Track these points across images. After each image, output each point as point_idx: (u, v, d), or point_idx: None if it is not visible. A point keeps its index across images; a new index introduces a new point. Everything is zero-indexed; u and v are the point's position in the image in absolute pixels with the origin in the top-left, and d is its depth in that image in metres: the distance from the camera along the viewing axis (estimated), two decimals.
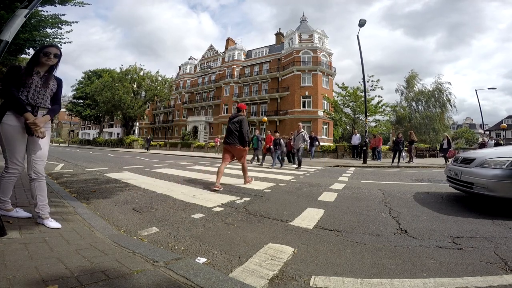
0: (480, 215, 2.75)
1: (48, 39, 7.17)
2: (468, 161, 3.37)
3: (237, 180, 5.22)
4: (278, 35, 36.75)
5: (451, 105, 32.41)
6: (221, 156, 16.51)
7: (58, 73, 2.09)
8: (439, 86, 32.89)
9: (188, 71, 45.17)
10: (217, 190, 4.02)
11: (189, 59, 46.47)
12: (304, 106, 29.51)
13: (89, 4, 7.06)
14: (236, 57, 36.92)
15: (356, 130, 16.28)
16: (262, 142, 11.17)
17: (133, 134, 41.10)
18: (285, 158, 10.46)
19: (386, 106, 18.03)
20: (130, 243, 1.75)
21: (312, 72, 29.62)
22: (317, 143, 14.35)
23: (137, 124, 47.63)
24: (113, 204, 3.04)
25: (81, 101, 42.91)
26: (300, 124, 9.30)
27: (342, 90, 18.66)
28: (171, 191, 3.86)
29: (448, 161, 11.17)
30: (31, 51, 7.56)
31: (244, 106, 4.82)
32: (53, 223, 1.91)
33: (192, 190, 4.00)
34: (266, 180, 5.43)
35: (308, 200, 3.50)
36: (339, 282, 1.36)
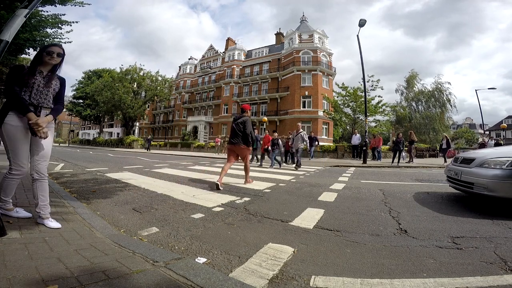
0: (480, 215, 2.75)
1: (48, 39, 7.18)
2: (468, 161, 3.37)
3: (237, 180, 5.22)
4: (278, 35, 36.75)
5: (451, 105, 32.45)
6: (221, 156, 16.53)
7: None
8: (439, 86, 32.91)
9: (188, 71, 45.17)
10: (219, 185, 4.13)
11: (189, 59, 46.48)
12: (304, 106, 29.51)
13: (89, 4, 7.07)
14: (236, 57, 36.93)
15: (356, 130, 16.27)
16: (260, 142, 11.16)
17: (133, 134, 41.11)
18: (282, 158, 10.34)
19: (386, 106, 18.04)
20: (130, 243, 1.75)
21: (312, 72, 29.62)
22: (316, 143, 14.34)
23: (137, 124, 47.63)
24: (113, 204, 3.04)
25: (81, 101, 42.92)
26: (299, 124, 9.23)
27: (342, 90, 18.66)
28: (171, 191, 3.86)
29: (447, 161, 11.19)
30: (31, 51, 7.57)
31: (248, 107, 4.93)
32: (53, 223, 1.91)
33: (192, 190, 4.00)
34: (266, 180, 5.43)
35: (308, 200, 3.50)
36: (339, 282, 1.36)
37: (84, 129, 70.55)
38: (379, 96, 17.44)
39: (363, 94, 13.47)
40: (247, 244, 1.89)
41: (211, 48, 43.57)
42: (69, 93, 43.84)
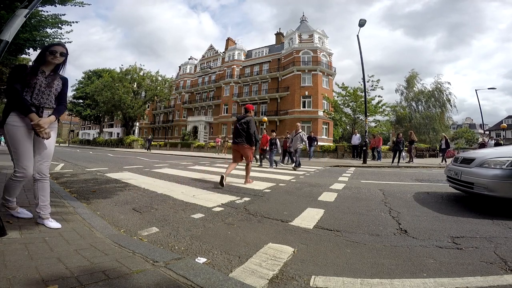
0: (480, 215, 2.75)
1: (48, 39, 7.18)
2: (468, 161, 3.37)
3: (237, 180, 5.22)
4: (278, 35, 36.76)
5: (451, 105, 32.48)
6: (221, 157, 16.50)
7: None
8: (439, 86, 32.94)
9: (188, 71, 45.17)
10: (223, 177, 4.36)
11: (189, 59, 46.48)
12: (304, 106, 29.52)
13: (89, 4, 7.07)
14: (236, 57, 36.93)
15: (356, 130, 16.28)
16: (259, 142, 11.09)
17: (133, 134, 41.11)
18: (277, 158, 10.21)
19: (386, 106, 18.05)
20: (130, 243, 1.75)
21: (312, 72, 29.62)
22: (315, 143, 14.32)
23: (137, 124, 47.64)
24: (113, 204, 3.04)
25: (81, 101, 42.94)
26: (299, 124, 9.12)
27: (342, 90, 18.67)
28: (171, 191, 3.86)
29: (446, 161, 11.18)
30: (31, 51, 7.57)
31: (252, 107, 5.01)
32: (53, 223, 1.91)
33: (192, 190, 4.00)
34: (266, 180, 5.43)
35: (308, 200, 3.50)
36: (339, 282, 1.36)
37: (84, 129, 70.57)
38: (379, 96, 17.48)
39: (363, 94, 13.47)
40: (247, 244, 1.88)
41: (211, 48, 43.57)
42: (69, 93, 43.77)
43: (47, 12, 6.98)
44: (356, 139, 14.40)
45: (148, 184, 4.45)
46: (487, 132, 35.25)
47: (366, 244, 1.93)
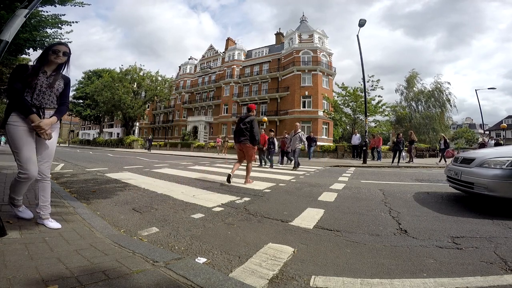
0: (480, 215, 2.75)
1: (48, 39, 7.18)
2: (468, 161, 3.37)
3: (237, 180, 5.22)
4: (278, 35, 36.76)
5: (451, 105, 32.45)
6: (221, 157, 16.46)
7: None
8: (439, 86, 32.92)
9: (188, 71, 45.18)
10: (230, 176, 4.60)
11: (189, 59, 46.48)
12: (304, 106, 29.52)
13: (89, 4, 7.06)
14: (236, 57, 36.93)
15: (356, 130, 16.28)
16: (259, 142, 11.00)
17: (133, 134, 41.12)
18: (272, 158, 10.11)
19: (386, 107, 18.04)
20: (130, 243, 1.75)
21: (312, 72, 29.62)
22: (314, 143, 14.30)
23: (137, 124, 47.64)
24: (113, 204, 3.04)
25: (81, 101, 42.95)
26: (298, 124, 8.99)
27: (342, 90, 18.66)
28: (171, 191, 3.86)
29: (446, 161, 11.17)
30: (31, 51, 7.57)
31: (254, 106, 5.10)
32: (53, 223, 1.91)
33: (192, 190, 4.00)
34: (266, 180, 5.43)
35: (308, 200, 3.50)
36: (339, 282, 1.36)
37: (84, 129, 70.56)
38: (379, 96, 17.47)
39: (363, 94, 13.47)
40: (247, 244, 1.88)
41: (211, 48, 43.57)
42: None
43: (47, 12, 6.98)
44: (356, 139, 14.40)
45: (148, 184, 4.45)
46: (487, 132, 35.27)
47: (366, 244, 1.93)
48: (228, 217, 2.59)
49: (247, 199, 3.47)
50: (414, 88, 34.30)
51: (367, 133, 12.50)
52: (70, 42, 7.82)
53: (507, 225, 2.38)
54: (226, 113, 35.99)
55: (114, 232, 2.02)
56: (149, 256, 1.51)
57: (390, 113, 20.88)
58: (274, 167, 8.83)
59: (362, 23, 11.92)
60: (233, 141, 5.85)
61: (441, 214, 2.83)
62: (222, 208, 2.93)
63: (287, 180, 5.53)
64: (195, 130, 39.10)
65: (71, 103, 43.34)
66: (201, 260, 1.60)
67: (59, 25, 7.13)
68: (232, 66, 36.59)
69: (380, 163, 11.91)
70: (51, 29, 7.27)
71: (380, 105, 17.32)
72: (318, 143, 16.58)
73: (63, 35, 7.50)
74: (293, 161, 8.42)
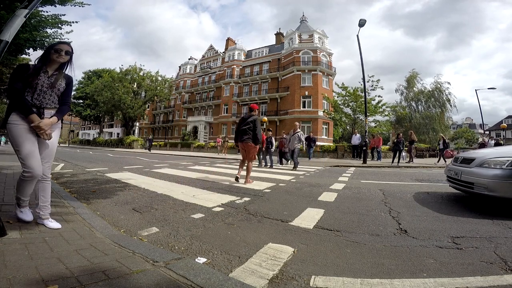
0: (480, 215, 2.75)
1: (48, 39, 7.18)
2: (468, 161, 3.37)
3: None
4: (278, 35, 36.76)
5: (450, 105, 32.45)
6: (221, 157, 16.44)
7: None
8: (439, 86, 32.92)
9: (188, 71, 45.18)
10: (238, 177, 4.74)
11: (189, 59, 46.48)
12: (304, 106, 29.52)
13: (89, 4, 7.06)
14: (236, 57, 36.93)
15: (356, 130, 16.28)
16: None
17: (133, 134, 41.13)
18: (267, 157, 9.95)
19: (386, 107, 18.05)
20: (130, 243, 1.75)
21: (312, 72, 29.62)
22: (313, 143, 14.27)
23: (137, 124, 47.65)
24: (113, 204, 3.04)
25: (81, 101, 42.96)
26: (297, 123, 8.85)
27: (342, 90, 18.67)
28: (171, 191, 3.86)
29: (446, 161, 11.15)
30: (31, 51, 7.57)
31: (256, 106, 5.16)
32: (53, 224, 1.91)
33: (192, 190, 4.00)
34: (266, 180, 5.43)
35: (308, 200, 3.50)
36: (339, 282, 1.36)
37: (84, 129, 70.55)
38: (379, 96, 17.48)
39: (363, 94, 13.47)
40: (247, 244, 1.88)
41: (211, 48, 43.57)
42: None
43: (47, 12, 6.98)
44: (356, 139, 14.40)
45: (148, 184, 4.45)
46: (487, 132, 35.27)
47: (366, 244, 1.93)
48: (228, 217, 2.59)
49: (247, 199, 3.47)
50: (414, 88, 34.31)
51: (367, 133, 12.51)
52: (70, 42, 7.82)
53: (507, 225, 2.38)
54: (226, 113, 35.99)
55: (114, 232, 2.02)
56: (149, 256, 1.51)
57: (390, 113, 20.88)
58: (274, 167, 8.82)
59: (362, 23, 11.93)
60: (233, 141, 5.83)
61: (441, 214, 2.83)
62: (222, 208, 2.93)
63: (287, 180, 5.53)
64: (195, 130, 39.10)
65: (71, 103, 43.30)
66: (201, 260, 1.60)
67: (59, 25, 7.13)
68: (232, 66, 36.59)
69: (380, 163, 11.91)
70: (51, 29, 7.27)
71: (380, 105, 17.33)
72: (318, 143, 16.58)
73: (63, 35, 7.50)
74: (289, 161, 8.35)
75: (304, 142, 8.80)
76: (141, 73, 33.38)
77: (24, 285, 1.13)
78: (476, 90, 22.54)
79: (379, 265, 1.58)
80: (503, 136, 27.78)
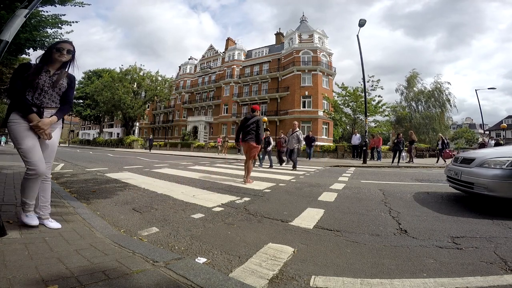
0: (480, 215, 2.76)
1: (48, 39, 7.18)
2: (468, 161, 3.37)
3: (237, 180, 5.22)
4: (278, 35, 36.76)
5: (450, 105, 32.48)
6: (222, 157, 16.45)
7: None
8: (439, 86, 32.95)
9: (188, 71, 45.17)
10: (245, 181, 4.78)
11: (189, 59, 46.49)
12: (304, 106, 29.52)
13: (89, 4, 7.07)
14: (236, 57, 36.93)
15: (356, 130, 16.29)
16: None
17: (133, 134, 41.13)
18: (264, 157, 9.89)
19: (386, 107, 18.05)
20: (130, 243, 1.75)
21: (312, 72, 29.62)
22: (313, 143, 14.26)
23: (137, 124, 47.65)
24: (113, 204, 3.04)
25: (81, 101, 42.94)
26: (296, 123, 8.69)
27: (342, 90, 18.66)
28: (171, 191, 3.86)
29: (445, 161, 11.15)
30: (31, 51, 7.57)
31: (258, 107, 5.27)
32: (53, 224, 1.90)
33: (192, 190, 4.00)
34: (266, 180, 5.43)
35: (308, 200, 3.50)
36: (339, 282, 1.36)
37: (84, 129, 70.56)
38: (379, 96, 17.47)
39: (363, 94, 13.47)
40: (247, 244, 1.88)
41: (211, 48, 43.57)
42: None
43: (47, 12, 6.98)
44: (356, 139, 14.40)
45: (148, 184, 4.45)
46: (487, 132, 35.26)
47: (366, 244, 1.93)
48: (228, 217, 2.59)
49: (247, 199, 3.47)
50: (414, 88, 34.32)
51: (367, 133, 12.51)
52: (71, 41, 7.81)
53: (507, 225, 2.38)
54: (226, 113, 35.99)
55: (114, 232, 2.02)
56: (149, 256, 1.51)
57: (390, 113, 20.88)
58: (273, 167, 8.81)
59: (362, 23, 11.93)
60: (233, 141, 5.77)
61: (441, 214, 2.83)
62: (222, 208, 2.93)
63: (287, 180, 5.53)
64: (195, 130, 39.10)
65: (73, 103, 43.26)
66: (201, 260, 1.60)
67: (59, 25, 7.13)
68: (232, 66, 36.59)
69: (380, 163, 11.91)
70: (51, 29, 7.27)
71: (380, 105, 17.33)
72: (318, 143, 16.57)
73: (63, 35, 7.50)
74: (288, 161, 8.28)
75: (303, 141, 8.67)
76: (141, 73, 33.38)
77: (24, 285, 1.13)
78: (476, 90, 22.57)
79: (379, 265, 1.58)
80: (503, 136, 27.80)
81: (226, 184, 4.67)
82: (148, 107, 42.94)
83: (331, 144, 21.71)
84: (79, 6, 6.85)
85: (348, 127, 23.70)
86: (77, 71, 2.01)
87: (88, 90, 38.23)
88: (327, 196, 3.72)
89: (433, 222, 2.53)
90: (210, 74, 41.06)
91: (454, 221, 2.56)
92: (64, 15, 7.07)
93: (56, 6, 6.65)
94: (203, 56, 44.11)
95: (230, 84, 36.45)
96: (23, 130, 1.74)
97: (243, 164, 5.20)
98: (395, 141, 11.83)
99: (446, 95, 32.49)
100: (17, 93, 1.73)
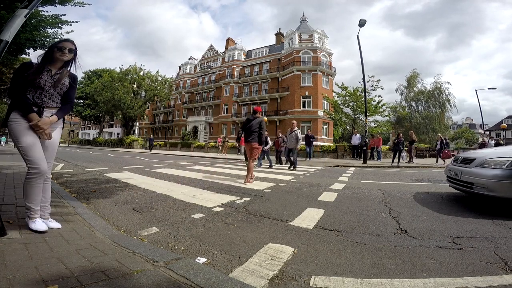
0: (480, 215, 2.75)
1: (48, 39, 7.18)
2: (468, 161, 3.37)
3: (237, 180, 5.22)
4: (278, 35, 36.77)
5: (450, 105, 32.43)
6: (222, 157, 16.46)
7: None
8: (439, 86, 32.92)
9: (188, 71, 45.17)
10: (250, 182, 4.79)
11: (189, 59, 46.49)
12: (304, 106, 29.52)
13: (89, 4, 7.07)
14: (236, 57, 36.93)
15: (356, 130, 16.28)
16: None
17: (133, 134, 41.13)
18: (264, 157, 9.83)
19: (386, 107, 18.04)
20: (130, 243, 1.75)
21: (312, 72, 29.62)
22: (312, 141, 14.22)
23: (137, 124, 47.64)
24: (113, 204, 3.04)
25: (81, 101, 42.95)
26: (294, 122, 8.56)
27: (342, 90, 18.65)
28: (171, 191, 3.86)
29: (444, 161, 11.14)
30: (31, 51, 7.57)
31: (260, 108, 5.40)
32: (53, 224, 1.90)
33: (192, 190, 4.00)
34: (266, 180, 5.43)
35: (308, 200, 3.50)
36: (339, 282, 1.36)
37: (84, 129, 70.57)
38: (379, 96, 17.46)
39: (363, 94, 13.47)
40: (247, 244, 1.88)
41: (211, 48, 43.57)
42: None
43: (47, 12, 6.98)
44: (356, 139, 14.40)
45: (148, 184, 4.45)
46: (487, 132, 35.26)
47: (366, 244, 1.93)
48: (228, 217, 2.59)
49: (247, 199, 3.47)
50: (415, 88, 34.29)
51: (367, 133, 12.50)
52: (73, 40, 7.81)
53: (507, 225, 2.38)
54: (226, 113, 35.99)
55: (114, 232, 2.02)
56: (149, 256, 1.51)
57: (390, 113, 20.87)
58: (273, 167, 8.81)
59: (362, 23, 11.92)
60: (233, 141, 5.77)
61: (441, 214, 2.83)
62: (222, 208, 2.93)
63: (287, 180, 5.53)
64: (195, 130, 39.10)
65: (74, 103, 43.21)
66: (201, 260, 1.60)
67: (59, 25, 7.13)
68: (232, 66, 36.59)
69: (380, 163, 11.91)
70: (51, 29, 7.27)
71: (380, 105, 17.32)
72: (318, 143, 16.57)
73: (63, 35, 7.50)
74: (286, 161, 8.25)
75: (301, 141, 8.53)
76: (141, 73, 33.39)
77: (24, 285, 1.13)
78: (476, 90, 22.57)
79: (379, 265, 1.58)
80: (503, 136, 27.84)
81: (226, 184, 4.67)
82: (148, 107, 42.94)
83: (331, 144, 21.71)
84: (79, 6, 6.85)
85: (348, 127, 23.69)
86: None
87: (88, 90, 38.25)
88: (327, 196, 3.72)
89: (433, 222, 2.53)
90: (210, 74, 41.06)
91: (454, 221, 2.56)
92: (64, 15, 7.07)
93: (56, 6, 6.65)
94: (203, 56, 44.11)
95: (230, 84, 36.44)
96: (23, 129, 1.74)
97: (244, 164, 5.21)
98: (395, 141, 11.82)
99: (446, 95, 32.49)
100: (17, 92, 1.73)
